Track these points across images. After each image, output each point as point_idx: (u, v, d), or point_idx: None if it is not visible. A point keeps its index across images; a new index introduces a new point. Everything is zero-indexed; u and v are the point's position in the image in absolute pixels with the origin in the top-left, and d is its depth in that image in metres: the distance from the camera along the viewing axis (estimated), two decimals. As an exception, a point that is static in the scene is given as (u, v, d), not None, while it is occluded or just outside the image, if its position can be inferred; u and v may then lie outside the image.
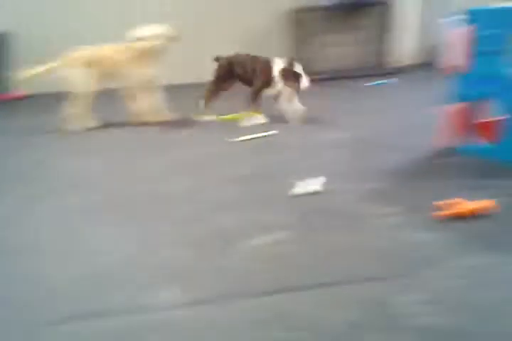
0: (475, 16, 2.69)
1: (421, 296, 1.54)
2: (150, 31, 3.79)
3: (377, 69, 5.89)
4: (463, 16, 2.73)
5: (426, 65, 5.79)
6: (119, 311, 1.55)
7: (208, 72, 4.02)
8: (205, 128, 3.82)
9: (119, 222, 2.19)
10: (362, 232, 1.98)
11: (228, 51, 4.06)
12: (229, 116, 4.04)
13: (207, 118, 4.05)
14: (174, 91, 4.31)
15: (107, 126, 3.97)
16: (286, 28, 6.02)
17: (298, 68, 3.76)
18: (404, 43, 6.14)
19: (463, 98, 2.80)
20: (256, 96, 3.92)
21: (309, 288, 1.62)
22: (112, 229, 2.12)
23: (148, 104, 3.95)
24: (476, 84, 2.73)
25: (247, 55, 4.00)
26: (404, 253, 1.81)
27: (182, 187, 2.56)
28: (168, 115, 4.02)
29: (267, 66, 3.83)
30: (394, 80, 5.34)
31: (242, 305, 1.55)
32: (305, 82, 3.73)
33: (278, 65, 3.81)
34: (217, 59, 4.05)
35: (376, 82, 5.08)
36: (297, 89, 3.77)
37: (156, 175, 2.79)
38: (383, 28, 6.06)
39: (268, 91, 3.91)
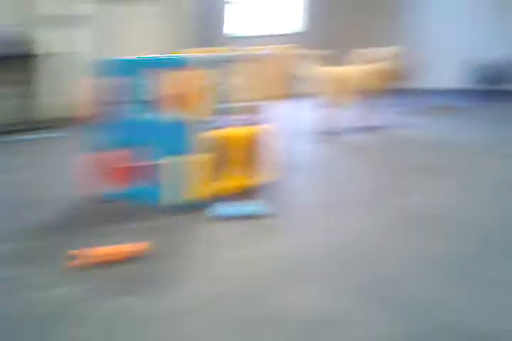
0: (108, 67, 2.72)
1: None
2: None
3: (27, 124, 5.58)
4: (97, 67, 2.75)
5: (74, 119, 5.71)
6: None
7: None
8: None
9: None
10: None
11: None
12: None
13: None
14: None
15: None
16: None
17: None
18: (54, 97, 5.97)
19: (101, 146, 2.78)
20: None
21: None
22: None
23: None
24: (113, 131, 2.74)
25: None
26: (42, 313, 1.56)
27: None
28: None
29: None
30: (44, 135, 5.08)
31: None
32: None
33: None
34: None
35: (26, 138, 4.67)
36: None
37: None
38: (33, 81, 5.84)
39: None
